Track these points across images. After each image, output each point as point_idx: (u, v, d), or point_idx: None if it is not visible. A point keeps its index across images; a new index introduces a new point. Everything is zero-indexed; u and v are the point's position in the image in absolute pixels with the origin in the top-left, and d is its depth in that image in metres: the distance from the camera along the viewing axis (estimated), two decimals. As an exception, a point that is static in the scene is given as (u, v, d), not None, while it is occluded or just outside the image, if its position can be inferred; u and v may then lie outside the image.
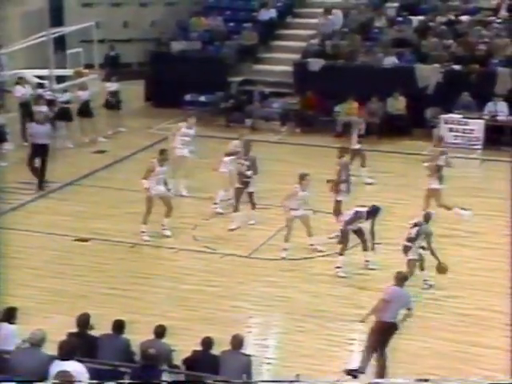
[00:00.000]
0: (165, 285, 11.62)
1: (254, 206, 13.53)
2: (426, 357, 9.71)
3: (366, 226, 12.05)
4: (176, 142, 14.93)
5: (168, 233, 13.09)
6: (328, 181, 13.07)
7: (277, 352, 10.00)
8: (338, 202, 12.99)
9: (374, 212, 12.01)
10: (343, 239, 12.06)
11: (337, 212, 12.94)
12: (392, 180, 15.79)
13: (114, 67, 20.34)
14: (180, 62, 20.49)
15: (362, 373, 9.29)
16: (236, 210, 13.39)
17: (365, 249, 12.12)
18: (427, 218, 11.78)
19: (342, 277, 11.87)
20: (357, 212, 11.93)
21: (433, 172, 13.42)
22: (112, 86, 18.77)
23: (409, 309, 9.42)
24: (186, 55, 20.83)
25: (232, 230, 13.18)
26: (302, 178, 12.38)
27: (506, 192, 15.04)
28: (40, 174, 15.11)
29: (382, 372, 9.35)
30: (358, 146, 15.06)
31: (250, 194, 13.47)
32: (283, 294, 11.32)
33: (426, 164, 13.73)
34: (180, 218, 13.46)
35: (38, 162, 15.19)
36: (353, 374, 9.29)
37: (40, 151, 15.06)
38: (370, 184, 15.39)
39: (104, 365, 7.85)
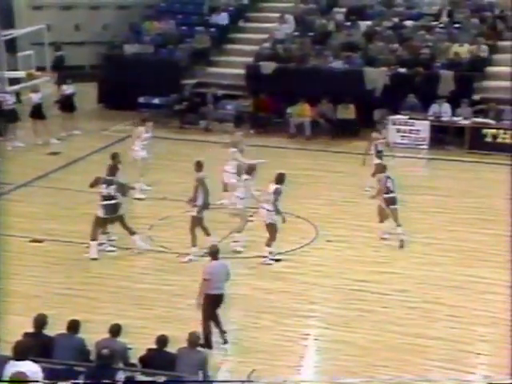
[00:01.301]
0: (120, 284, 11.65)
1: None
2: (377, 349, 9.95)
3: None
4: (136, 145, 15.00)
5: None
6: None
7: (233, 348, 10.09)
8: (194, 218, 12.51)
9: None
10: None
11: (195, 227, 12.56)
12: (343, 179, 16.15)
13: (60, 68, 20.13)
14: (133, 64, 20.55)
15: (210, 347, 9.54)
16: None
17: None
18: (281, 179, 12.37)
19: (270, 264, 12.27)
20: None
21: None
22: (68, 89, 18.71)
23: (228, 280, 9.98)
24: (139, 58, 20.89)
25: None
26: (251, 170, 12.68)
27: (450, 190, 15.65)
28: None
29: (208, 341, 9.71)
30: (378, 161, 14.59)
31: None
32: (238, 292, 11.42)
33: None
34: (136, 219, 13.52)
35: None
36: (204, 347, 9.40)
37: None
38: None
39: (59, 364, 7.86)
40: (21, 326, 8.89)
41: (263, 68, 20.12)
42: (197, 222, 12.43)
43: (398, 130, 18.48)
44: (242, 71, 20.46)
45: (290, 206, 14.40)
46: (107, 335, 8.41)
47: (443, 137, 18.43)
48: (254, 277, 12.04)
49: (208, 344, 9.78)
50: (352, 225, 13.87)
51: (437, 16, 21.34)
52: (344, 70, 19.75)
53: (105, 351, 7.69)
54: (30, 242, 12.95)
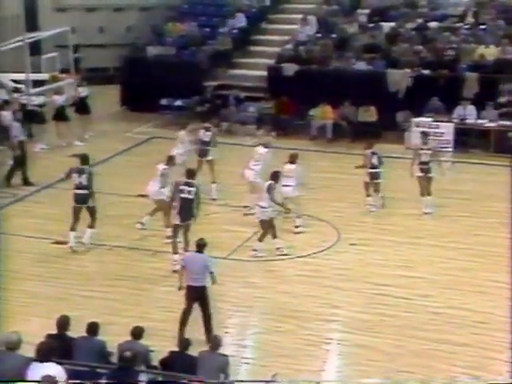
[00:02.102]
0: (142, 286, 11.66)
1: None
2: (400, 355, 9.83)
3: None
4: (178, 149, 14.88)
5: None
6: None
7: (255, 352, 10.07)
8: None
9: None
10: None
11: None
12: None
13: (77, 70, 20.13)
14: (155, 66, 20.59)
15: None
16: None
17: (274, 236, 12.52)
18: (276, 176, 12.46)
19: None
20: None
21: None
22: (83, 91, 18.78)
23: (211, 272, 9.91)
24: (162, 60, 20.93)
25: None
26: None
27: (475, 193, 15.46)
28: (11, 172, 15.47)
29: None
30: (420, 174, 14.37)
31: None
32: (261, 295, 11.41)
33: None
34: (158, 221, 13.52)
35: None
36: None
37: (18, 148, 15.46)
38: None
39: (81, 366, 7.87)
40: (44, 327, 8.96)
41: (285, 70, 20.08)
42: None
43: (422, 133, 18.28)
44: (263, 73, 20.44)
45: (312, 208, 14.40)
46: (129, 337, 8.41)
47: (468, 140, 18.25)
48: (276, 280, 11.99)
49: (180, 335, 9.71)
50: (375, 228, 13.78)
51: (462, 17, 21.16)
52: (366, 71, 19.63)
53: (127, 353, 7.71)
54: (53, 243, 12.99)
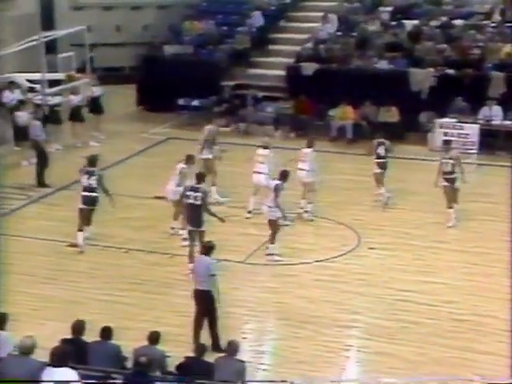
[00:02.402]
0: (158, 291, 11.53)
1: None
2: (423, 363, 9.63)
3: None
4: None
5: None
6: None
7: (272, 358, 9.92)
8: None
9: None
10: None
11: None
12: (386, 184, 15.73)
13: (91, 70, 20.00)
14: (173, 65, 20.44)
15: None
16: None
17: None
18: (284, 176, 12.39)
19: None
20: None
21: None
22: (96, 91, 18.65)
23: (211, 275, 9.72)
24: (179, 59, 20.77)
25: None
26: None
27: (501, 196, 15.06)
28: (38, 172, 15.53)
29: (215, 342, 9.56)
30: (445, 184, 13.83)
31: None
32: (279, 300, 11.25)
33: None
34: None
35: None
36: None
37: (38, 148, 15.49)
38: None
39: (96, 371, 7.77)
40: (59, 331, 8.89)
41: (304, 69, 19.82)
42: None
43: (446, 134, 17.87)
44: (282, 72, 20.20)
45: (331, 211, 14.19)
46: (145, 342, 8.30)
47: (493, 141, 17.79)
48: (294, 285, 11.79)
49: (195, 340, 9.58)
50: (396, 232, 13.51)
51: (488, 15, 20.73)
52: (388, 71, 19.32)
53: (142, 359, 7.62)
54: (68, 246, 12.86)
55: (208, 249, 9.98)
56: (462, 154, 15.40)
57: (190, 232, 11.83)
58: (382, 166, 14.45)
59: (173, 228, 13.16)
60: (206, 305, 9.83)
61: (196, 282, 9.91)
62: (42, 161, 15.59)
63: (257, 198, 13.87)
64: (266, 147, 14.21)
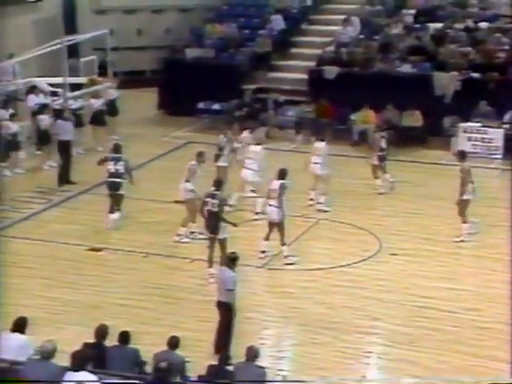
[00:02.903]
0: (178, 295, 11.52)
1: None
2: (444, 371, 9.52)
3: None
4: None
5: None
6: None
7: (291, 364, 9.86)
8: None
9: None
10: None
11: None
12: (408, 190, 15.60)
13: (107, 74, 19.95)
14: (194, 69, 20.42)
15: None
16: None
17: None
18: (284, 174, 12.47)
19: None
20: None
21: None
22: (113, 94, 18.71)
23: (228, 290, 9.72)
24: (200, 62, 20.75)
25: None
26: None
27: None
28: (61, 170, 15.71)
29: (225, 354, 9.18)
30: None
31: None
32: (298, 305, 11.17)
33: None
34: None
35: (59, 160, 15.82)
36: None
37: (63, 147, 15.64)
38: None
39: (116, 376, 7.73)
40: (79, 335, 8.97)
41: (326, 73, 19.71)
42: None
43: (470, 139, 17.68)
44: (304, 76, 20.10)
45: (351, 216, 14.08)
46: (164, 347, 8.27)
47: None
48: (314, 290, 11.72)
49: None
50: (417, 237, 13.37)
51: (514, 18, 20.44)
52: (411, 74, 19.14)
53: (162, 364, 7.58)
54: (88, 250, 12.89)
55: (231, 260, 9.90)
56: (486, 159, 15.28)
57: (209, 238, 11.85)
58: (382, 159, 14.96)
59: (192, 232, 13.17)
60: (223, 316, 9.82)
61: (218, 293, 9.93)
62: (67, 160, 15.78)
63: (240, 193, 14.20)
64: (258, 144, 14.43)
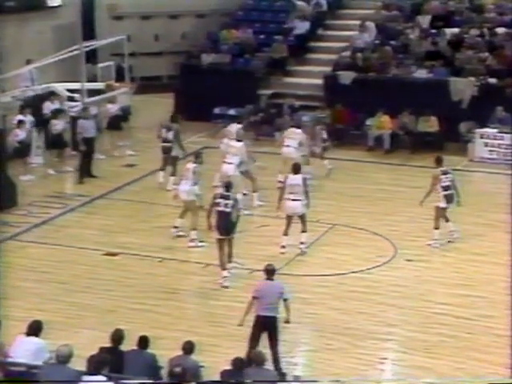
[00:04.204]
0: (192, 300, 11.59)
1: None
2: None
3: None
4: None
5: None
6: None
7: (305, 370, 9.84)
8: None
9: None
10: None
11: None
12: (423, 195, 15.52)
13: (121, 79, 19.92)
14: (210, 74, 20.46)
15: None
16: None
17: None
18: (299, 168, 12.73)
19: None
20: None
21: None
22: (127, 100, 18.79)
23: (285, 299, 9.51)
24: (216, 68, 20.79)
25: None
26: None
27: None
28: (82, 166, 16.09)
29: (277, 362, 9.34)
30: None
31: None
32: (312, 311, 11.15)
33: None
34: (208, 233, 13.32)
35: (80, 156, 16.20)
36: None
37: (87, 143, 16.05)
38: None
39: (131, 380, 7.79)
40: (94, 340, 9.03)
41: (342, 78, 19.69)
42: None
43: (486, 145, 17.61)
44: (319, 81, 20.08)
45: (367, 222, 14.06)
46: (179, 352, 8.28)
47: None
48: (329, 296, 11.71)
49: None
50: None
51: (532, 23, 20.31)
52: (427, 80, 19.05)
53: (177, 369, 7.61)
54: (104, 255, 12.96)
55: (271, 272, 9.73)
56: (503, 165, 15.18)
57: (218, 240, 11.81)
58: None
59: (176, 227, 13.23)
60: (271, 332, 9.52)
61: (261, 308, 9.48)
62: (89, 155, 16.13)
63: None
64: (239, 140, 14.64)
